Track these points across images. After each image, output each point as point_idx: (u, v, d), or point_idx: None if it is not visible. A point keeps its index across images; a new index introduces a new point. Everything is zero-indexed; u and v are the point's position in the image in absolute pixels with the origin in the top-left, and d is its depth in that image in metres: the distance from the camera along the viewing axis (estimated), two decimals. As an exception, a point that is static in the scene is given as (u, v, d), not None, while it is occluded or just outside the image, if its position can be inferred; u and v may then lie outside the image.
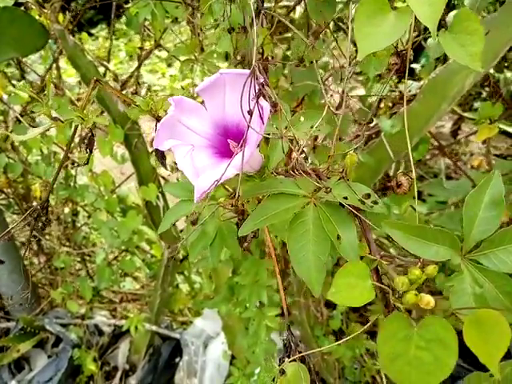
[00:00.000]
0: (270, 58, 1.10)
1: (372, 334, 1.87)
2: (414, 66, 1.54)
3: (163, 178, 1.81)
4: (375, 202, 0.47)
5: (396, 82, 1.47)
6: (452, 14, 0.47)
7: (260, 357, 1.41)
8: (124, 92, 1.52)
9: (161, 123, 0.47)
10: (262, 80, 0.42)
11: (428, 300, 0.40)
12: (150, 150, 1.67)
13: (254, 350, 1.40)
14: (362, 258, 0.48)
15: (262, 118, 0.43)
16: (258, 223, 0.48)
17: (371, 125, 1.53)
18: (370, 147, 1.43)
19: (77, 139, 1.27)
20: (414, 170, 0.49)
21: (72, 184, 1.93)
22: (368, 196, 0.47)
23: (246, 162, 0.43)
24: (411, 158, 0.52)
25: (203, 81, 0.48)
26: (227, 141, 0.50)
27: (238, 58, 1.23)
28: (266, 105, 0.43)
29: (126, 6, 1.40)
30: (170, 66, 3.65)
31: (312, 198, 0.50)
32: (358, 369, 1.88)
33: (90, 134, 0.59)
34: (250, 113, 0.41)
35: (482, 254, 0.42)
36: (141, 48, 1.52)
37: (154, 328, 1.92)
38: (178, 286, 2.10)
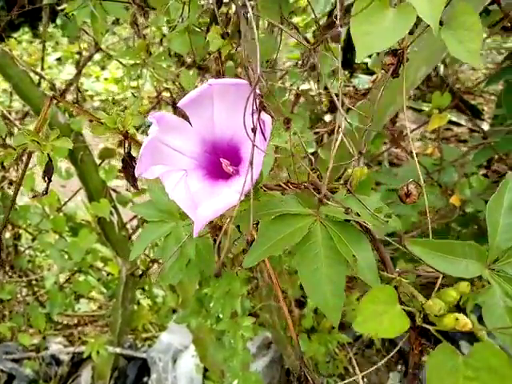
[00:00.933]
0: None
1: (341, 327, 1.89)
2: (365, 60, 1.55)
3: (114, 190, 1.69)
4: (389, 216, 0.43)
5: (348, 77, 1.46)
6: (448, 7, 0.44)
7: (237, 368, 1.36)
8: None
9: (143, 146, 0.40)
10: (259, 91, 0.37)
11: (465, 322, 0.37)
12: (98, 162, 1.55)
13: (230, 363, 1.35)
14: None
15: (263, 134, 0.38)
16: (265, 251, 0.42)
17: (328, 121, 1.53)
18: (328, 143, 1.42)
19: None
20: (421, 178, 0.46)
21: (11, 205, 1.75)
22: (380, 210, 0.43)
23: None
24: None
25: (188, 93, 0.42)
26: (218, 159, 0.44)
27: (189, 60, 1.16)
28: (268, 119, 0.38)
29: (59, 8, 1.28)
30: (103, 68, 3.46)
31: (318, 216, 0.45)
32: (331, 362, 1.89)
33: (48, 161, 0.50)
34: (254, 130, 0.35)
35: (508, 262, 0.40)
36: (79, 53, 1.39)
37: (118, 350, 1.80)
38: (139, 302, 1.99)
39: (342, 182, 0.47)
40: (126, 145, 0.55)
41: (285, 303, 0.55)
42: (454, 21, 0.43)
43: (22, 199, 1.84)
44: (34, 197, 0.57)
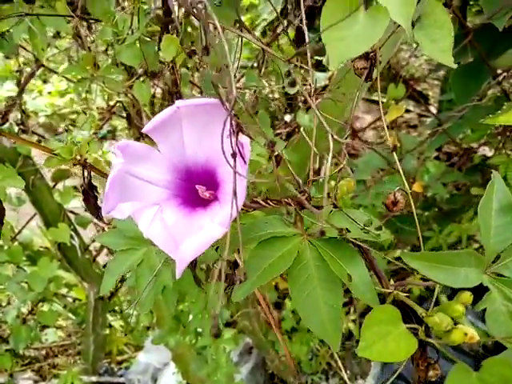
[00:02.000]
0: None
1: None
2: (318, 58, 1.54)
3: (72, 212, 1.59)
4: (379, 229, 0.41)
5: (303, 76, 1.45)
6: (419, 6, 0.42)
7: (222, 382, 1.32)
8: (7, 124, 1.29)
9: (109, 182, 0.36)
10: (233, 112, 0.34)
11: (472, 334, 0.35)
12: (51, 184, 1.46)
13: (215, 378, 1.31)
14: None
15: (243, 158, 0.35)
16: (254, 282, 0.39)
17: (289, 121, 1.51)
18: (292, 144, 1.41)
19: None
20: (407, 187, 0.44)
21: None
22: (370, 223, 0.41)
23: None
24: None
25: (153, 118, 0.37)
26: (193, 186, 0.40)
27: (140, 70, 1.10)
28: (246, 141, 0.34)
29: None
30: (45, 82, 3.28)
31: (305, 235, 0.42)
32: (314, 359, 1.89)
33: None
34: (234, 155, 0.32)
35: (503, 264, 0.39)
36: (18, 71, 1.29)
37: (94, 378, 1.72)
38: (110, 324, 1.90)
39: (325, 195, 0.45)
40: (86, 174, 0.50)
41: (266, 305, 0.52)
42: (426, 20, 0.42)
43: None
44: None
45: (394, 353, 0.35)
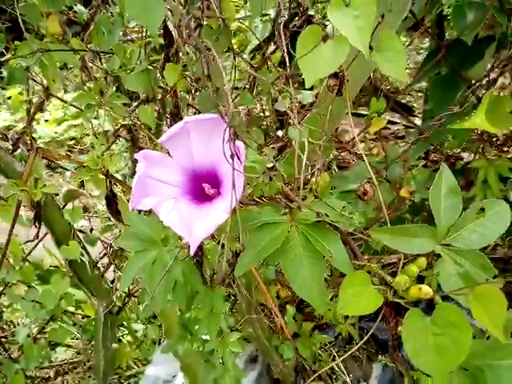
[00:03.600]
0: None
1: (319, 327, 1.96)
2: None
3: (80, 231, 1.68)
4: (352, 213, 0.50)
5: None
6: (375, 34, 0.53)
7: (230, 386, 1.38)
8: (19, 151, 1.38)
9: (135, 183, 0.45)
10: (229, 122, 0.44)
11: (427, 290, 0.44)
12: (61, 205, 1.54)
13: (222, 381, 1.37)
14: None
15: (239, 158, 0.44)
16: (252, 259, 0.48)
17: (280, 136, 1.62)
18: (285, 156, 1.51)
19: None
20: (374, 178, 0.54)
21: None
22: (344, 209, 0.51)
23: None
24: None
25: (167, 131, 0.48)
26: (200, 185, 0.50)
27: (143, 95, 1.21)
28: (241, 145, 0.44)
29: (2, 60, 1.29)
30: (42, 111, 3.41)
31: (293, 221, 0.52)
32: (316, 364, 1.95)
33: (36, 207, 0.54)
34: (233, 156, 0.41)
35: (452, 237, 0.49)
36: (27, 100, 1.40)
37: (105, 393, 1.76)
38: (119, 339, 1.96)
39: (307, 189, 0.54)
40: (108, 183, 0.60)
41: (274, 305, 0.61)
42: (381, 45, 0.52)
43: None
44: (26, 242, 0.60)
45: (366, 307, 0.44)
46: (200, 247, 0.78)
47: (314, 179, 0.53)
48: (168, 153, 0.50)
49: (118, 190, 1.35)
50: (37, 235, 0.58)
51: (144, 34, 0.84)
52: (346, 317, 2.00)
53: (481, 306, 0.40)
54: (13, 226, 0.58)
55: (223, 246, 0.62)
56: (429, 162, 2.33)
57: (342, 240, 0.51)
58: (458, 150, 1.66)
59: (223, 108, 0.42)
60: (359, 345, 0.61)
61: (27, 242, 0.62)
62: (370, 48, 0.53)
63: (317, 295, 0.49)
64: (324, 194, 0.52)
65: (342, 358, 1.82)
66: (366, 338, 0.55)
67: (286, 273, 0.49)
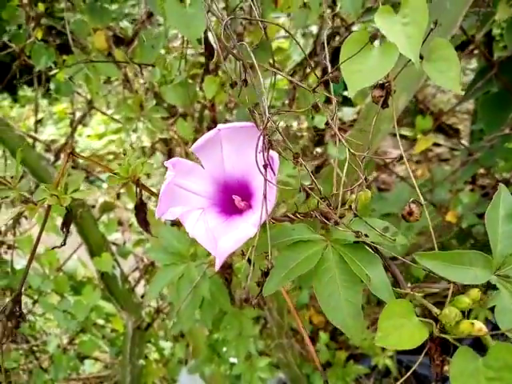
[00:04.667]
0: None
1: (354, 357, 1.86)
2: (346, 93, 1.63)
3: (114, 243, 1.70)
4: (395, 235, 0.46)
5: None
6: (426, 43, 0.49)
7: (256, 413, 1.32)
8: (60, 161, 1.42)
9: (162, 191, 0.43)
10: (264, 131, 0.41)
11: (480, 326, 0.39)
12: (96, 217, 1.57)
13: (249, 408, 1.31)
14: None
15: (272, 169, 0.41)
16: (283, 278, 0.44)
17: (320, 152, 1.58)
18: (323, 174, 1.47)
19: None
20: (422, 198, 0.49)
21: (9, 270, 1.73)
22: (386, 229, 0.46)
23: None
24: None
25: (199, 139, 0.45)
26: (230, 197, 0.47)
27: (181, 110, 1.21)
28: (275, 155, 0.41)
29: (51, 74, 1.34)
30: (84, 125, 3.55)
31: (329, 241, 0.48)
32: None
33: (66, 212, 0.52)
34: (266, 166, 0.38)
35: (511, 267, 0.43)
36: (72, 113, 1.45)
37: (129, 410, 1.74)
38: (146, 356, 1.94)
39: (346, 207, 0.50)
40: (138, 191, 0.58)
41: (304, 330, 0.57)
42: (433, 54, 0.48)
43: (20, 262, 1.82)
44: (53, 248, 0.60)
45: (408, 342, 0.39)
46: (230, 265, 0.75)
47: (353, 196, 0.49)
48: (199, 162, 0.48)
49: (152, 204, 1.35)
50: (64, 241, 0.57)
51: (184, 45, 0.84)
52: (384, 348, 1.89)
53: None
54: (41, 232, 0.57)
55: (251, 262, 0.58)
56: (476, 186, 2.21)
57: (382, 264, 0.46)
58: (509, 175, 1.56)
59: (258, 116, 0.39)
60: (400, 382, 0.55)
61: (54, 247, 0.61)
62: (421, 58, 0.49)
63: (351, 323, 0.44)
64: (364, 214, 0.48)
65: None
66: (407, 375, 0.49)
67: (318, 296, 0.45)
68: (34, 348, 1.97)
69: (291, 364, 1.56)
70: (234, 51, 0.48)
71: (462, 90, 0.50)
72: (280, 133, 0.39)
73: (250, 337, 1.22)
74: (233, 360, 1.37)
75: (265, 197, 0.39)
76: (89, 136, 3.46)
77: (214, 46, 0.77)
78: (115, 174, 0.53)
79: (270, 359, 1.28)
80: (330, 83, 0.45)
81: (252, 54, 0.41)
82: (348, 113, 1.65)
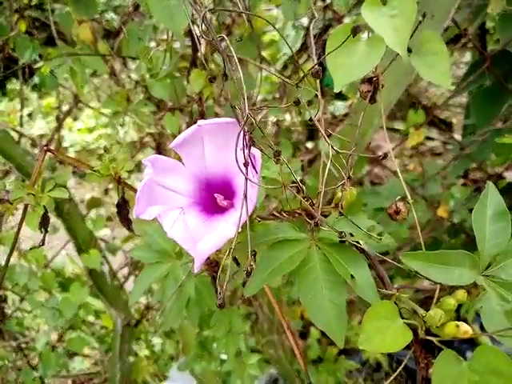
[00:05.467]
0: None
1: (345, 352, 1.86)
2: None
3: (102, 240, 1.67)
4: (381, 234, 0.44)
5: (323, 105, 1.52)
6: (415, 36, 0.47)
7: (247, 410, 1.31)
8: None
9: (140, 189, 0.41)
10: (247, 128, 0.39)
11: (466, 329, 0.38)
12: (83, 212, 1.55)
13: (239, 405, 1.30)
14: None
15: (254, 168, 0.40)
16: (265, 278, 0.43)
17: (310, 148, 1.57)
18: (314, 169, 1.45)
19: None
20: (411, 194, 0.48)
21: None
22: (373, 228, 0.45)
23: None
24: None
25: (181, 131, 0.44)
26: (212, 195, 0.45)
27: (170, 103, 1.19)
28: (257, 153, 0.40)
29: (35, 67, 1.31)
30: (75, 119, 3.50)
31: (313, 240, 0.46)
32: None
33: (44, 212, 0.51)
34: (246, 164, 0.37)
35: (499, 267, 0.42)
36: (58, 107, 1.42)
37: (119, 407, 1.73)
38: (136, 353, 1.92)
39: (333, 205, 0.49)
40: (120, 189, 0.56)
41: (290, 332, 0.55)
42: (422, 47, 0.47)
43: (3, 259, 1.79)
44: (31, 248, 0.58)
45: (391, 345, 0.38)
46: (216, 263, 0.73)
47: (339, 194, 0.48)
48: (180, 159, 0.46)
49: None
50: (42, 241, 0.55)
51: (169, 38, 0.82)
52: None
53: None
54: (19, 230, 0.56)
55: (236, 261, 0.57)
56: (468, 181, 2.21)
57: (368, 264, 0.45)
58: (501, 169, 1.55)
59: (239, 110, 0.38)
60: (391, 378, 0.54)
61: (33, 248, 0.59)
62: (409, 51, 0.48)
63: (335, 325, 0.43)
64: (352, 211, 0.46)
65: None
66: (398, 370, 0.48)
67: (301, 297, 0.44)
68: (23, 345, 1.94)
69: (282, 360, 1.55)
70: (218, 44, 0.46)
71: (454, 83, 0.48)
72: (260, 129, 0.38)
73: (240, 333, 1.21)
74: (224, 357, 1.36)
75: (245, 196, 0.37)
76: (79, 130, 3.42)
77: (196, 39, 0.75)
78: (95, 171, 0.51)
79: (260, 356, 1.27)
80: (318, 77, 0.44)
81: (232, 48, 0.39)
82: (340, 107, 1.64)
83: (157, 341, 1.95)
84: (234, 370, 1.26)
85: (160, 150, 1.31)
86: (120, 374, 1.71)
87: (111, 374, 1.74)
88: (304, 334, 1.82)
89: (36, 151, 1.54)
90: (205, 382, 1.64)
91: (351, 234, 0.44)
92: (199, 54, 0.78)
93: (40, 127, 3.01)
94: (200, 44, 0.74)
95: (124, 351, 1.70)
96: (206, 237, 0.39)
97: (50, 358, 1.70)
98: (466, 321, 0.41)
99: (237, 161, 0.37)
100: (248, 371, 1.25)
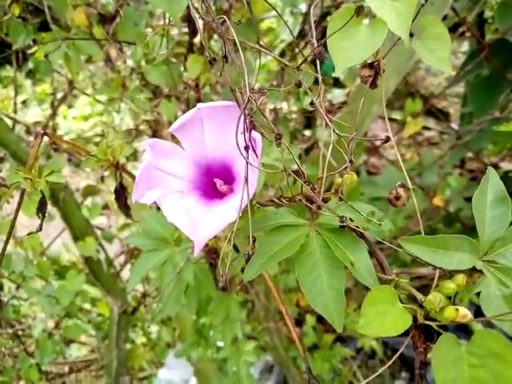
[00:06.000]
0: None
1: (340, 339, 1.88)
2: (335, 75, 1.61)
3: (98, 228, 1.67)
4: (381, 219, 0.44)
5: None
6: (416, 20, 0.47)
7: (243, 396, 1.33)
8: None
9: (139, 173, 0.41)
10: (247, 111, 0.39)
11: (465, 313, 0.38)
12: (79, 200, 1.54)
13: (235, 391, 1.32)
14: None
15: (255, 152, 0.39)
16: (264, 263, 0.43)
17: (309, 135, 1.56)
18: (312, 157, 1.45)
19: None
20: (409, 181, 0.48)
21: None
22: (372, 214, 0.45)
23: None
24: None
25: (177, 118, 0.43)
26: (212, 180, 0.45)
27: (166, 90, 1.17)
28: (258, 137, 0.39)
29: (29, 52, 1.29)
30: (70, 107, 3.46)
31: (313, 225, 0.46)
32: (336, 378, 1.86)
33: (41, 197, 0.50)
34: (247, 148, 0.36)
35: (498, 253, 0.42)
36: (53, 93, 1.40)
37: (116, 393, 1.74)
38: (133, 340, 1.93)
39: (332, 191, 0.49)
40: (118, 175, 0.56)
41: (289, 318, 0.56)
42: (424, 32, 0.46)
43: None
44: (29, 234, 0.57)
45: (390, 329, 0.38)
46: (215, 250, 0.73)
47: (339, 179, 0.47)
48: (180, 144, 0.45)
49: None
50: (40, 227, 0.55)
51: (166, 22, 0.81)
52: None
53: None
54: (15, 218, 0.55)
55: (236, 248, 0.57)
56: (464, 170, 2.22)
57: (368, 249, 0.45)
58: (497, 159, 1.56)
59: (239, 94, 0.37)
60: (386, 366, 0.54)
61: (30, 233, 0.59)
62: (411, 35, 0.47)
63: (334, 309, 0.43)
64: (351, 198, 0.46)
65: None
66: (394, 358, 0.48)
67: (300, 282, 0.44)
68: (19, 332, 1.95)
69: (278, 347, 1.57)
70: (219, 27, 0.45)
71: (452, 71, 0.48)
72: (262, 113, 0.37)
73: (237, 321, 1.22)
74: (220, 344, 1.37)
75: (246, 180, 0.37)
76: (74, 118, 3.37)
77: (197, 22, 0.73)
78: (92, 156, 0.51)
79: (256, 343, 1.27)
80: (320, 59, 0.43)
81: (233, 30, 0.38)
82: (338, 95, 1.63)
83: (153, 328, 1.96)
84: (231, 356, 1.27)
85: (156, 137, 1.30)
86: (117, 361, 1.72)
87: (108, 361, 1.75)
88: (299, 322, 1.84)
89: (31, 138, 1.52)
90: (201, 369, 1.65)
91: (351, 220, 0.44)
92: (198, 37, 0.76)
93: (35, 114, 2.97)
94: (199, 27, 0.73)
95: (121, 338, 1.71)
96: (205, 221, 0.39)
97: (47, 345, 1.71)
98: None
99: (237, 144, 0.36)
100: (244, 358, 1.26)
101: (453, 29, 1.45)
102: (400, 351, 0.50)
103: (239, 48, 0.40)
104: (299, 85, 0.40)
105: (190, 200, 0.43)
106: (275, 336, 1.55)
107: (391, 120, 2.15)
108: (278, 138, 0.37)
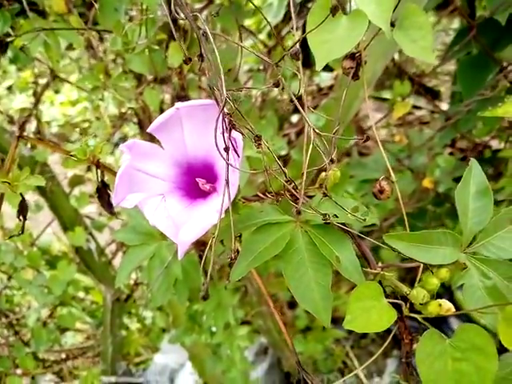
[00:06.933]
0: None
1: (332, 321, 1.90)
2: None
3: (87, 217, 1.66)
4: (366, 214, 0.44)
5: (309, 76, 1.49)
6: (397, 9, 0.46)
7: (237, 379, 1.35)
8: (25, 133, 1.35)
9: (118, 176, 0.40)
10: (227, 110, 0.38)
11: (449, 307, 0.38)
12: (68, 190, 1.52)
13: (230, 375, 1.34)
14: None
15: (236, 151, 0.39)
16: (250, 263, 0.43)
17: (296, 121, 1.55)
18: (300, 143, 1.44)
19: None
20: (393, 175, 0.47)
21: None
22: (356, 209, 0.45)
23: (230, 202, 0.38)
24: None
25: (156, 119, 0.42)
26: (194, 179, 0.44)
27: (150, 77, 1.15)
28: (238, 136, 0.38)
29: (8, 40, 1.25)
30: (57, 92, 3.38)
31: (298, 222, 0.46)
32: (329, 358, 1.90)
33: (21, 200, 0.49)
34: (227, 149, 0.36)
35: (481, 244, 0.42)
36: (34, 82, 1.36)
37: (113, 379, 1.77)
38: (127, 327, 1.95)
39: (317, 185, 0.48)
40: (99, 173, 0.55)
41: (276, 308, 0.56)
42: (405, 21, 0.45)
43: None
44: (10, 237, 0.56)
45: (376, 325, 0.39)
46: (203, 242, 0.73)
47: (323, 174, 0.47)
48: (159, 143, 0.44)
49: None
50: (22, 229, 0.54)
51: (144, 10, 0.79)
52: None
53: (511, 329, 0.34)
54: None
55: (223, 243, 0.56)
56: (455, 150, 2.22)
57: (354, 243, 0.45)
58: (487, 138, 1.56)
59: (217, 92, 0.36)
60: (381, 349, 0.55)
61: (11, 236, 0.58)
62: (392, 25, 0.46)
63: (321, 305, 0.43)
64: (336, 192, 0.46)
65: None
66: (388, 341, 0.49)
67: (287, 279, 0.44)
68: (14, 322, 1.95)
69: (271, 330, 1.59)
70: (192, 23, 0.44)
71: (442, 50, 0.47)
72: (240, 113, 0.36)
73: (229, 307, 1.23)
74: (214, 329, 1.39)
75: (227, 182, 0.36)
76: (61, 103, 3.30)
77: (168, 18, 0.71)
78: (72, 155, 0.49)
79: (249, 327, 1.29)
80: (297, 59, 0.42)
81: (207, 27, 0.37)
82: (325, 78, 1.61)
83: (148, 314, 1.97)
84: (224, 341, 1.28)
85: (142, 126, 1.28)
86: (112, 348, 1.74)
87: (104, 348, 1.77)
88: (293, 304, 1.86)
89: (14, 128, 1.49)
90: (196, 353, 1.68)
91: (336, 216, 0.44)
92: (176, 28, 0.74)
93: (21, 101, 2.90)
94: (171, 25, 0.71)
95: (115, 325, 1.72)
96: (188, 224, 0.38)
97: (42, 333, 1.71)
98: (450, 288, 0.42)
99: (217, 146, 0.36)
100: (237, 343, 1.28)
101: (443, 5, 1.43)
102: (392, 333, 0.51)
103: (214, 44, 0.39)
104: (277, 84, 0.39)
105: (173, 201, 0.42)
106: (268, 319, 1.57)
107: (382, 100, 2.14)
108: (258, 140, 0.36)
